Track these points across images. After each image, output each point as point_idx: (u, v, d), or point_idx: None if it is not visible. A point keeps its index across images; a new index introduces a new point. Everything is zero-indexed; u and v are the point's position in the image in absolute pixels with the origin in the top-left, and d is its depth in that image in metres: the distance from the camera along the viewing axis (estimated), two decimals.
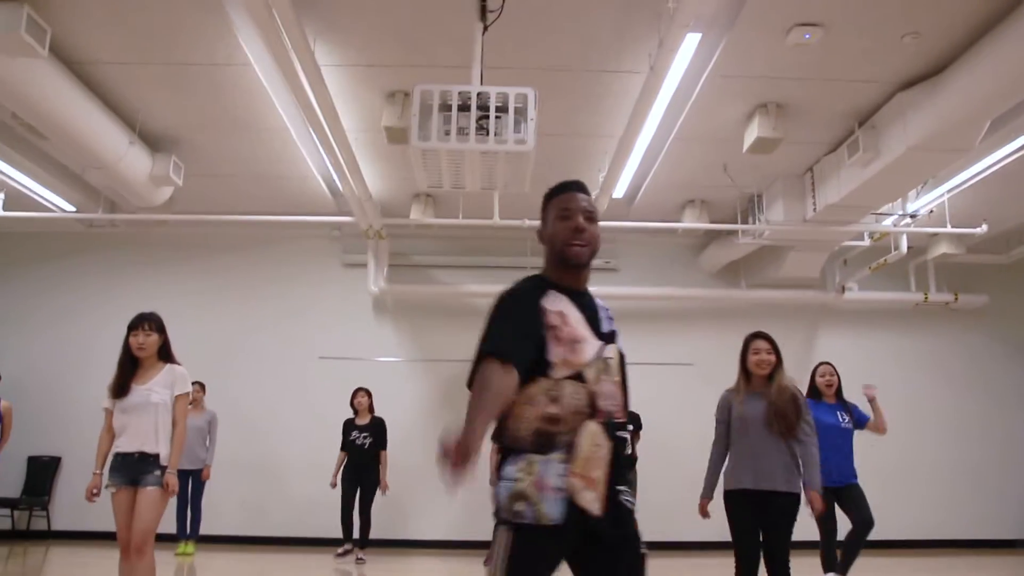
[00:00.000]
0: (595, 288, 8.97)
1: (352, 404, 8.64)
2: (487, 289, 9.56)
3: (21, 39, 5.05)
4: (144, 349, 4.62)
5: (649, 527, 8.31)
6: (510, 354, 2.22)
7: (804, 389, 5.54)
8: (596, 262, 8.82)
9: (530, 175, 4.89)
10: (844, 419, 6.03)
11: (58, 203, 8.52)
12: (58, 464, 9.71)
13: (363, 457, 8.46)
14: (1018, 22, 4.97)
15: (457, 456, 2.05)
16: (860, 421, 6.13)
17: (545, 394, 2.26)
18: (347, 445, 8.52)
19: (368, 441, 8.46)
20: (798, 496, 4.45)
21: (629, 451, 7.50)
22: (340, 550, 8.46)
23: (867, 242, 9.06)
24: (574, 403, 2.26)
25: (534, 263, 9.46)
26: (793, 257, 9.14)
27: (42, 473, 9.67)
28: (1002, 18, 5.22)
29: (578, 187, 2.51)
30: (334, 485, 8.44)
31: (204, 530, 8.70)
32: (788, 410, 4.49)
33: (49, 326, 10.06)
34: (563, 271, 2.45)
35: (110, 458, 4.61)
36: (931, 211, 8.43)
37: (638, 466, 8.17)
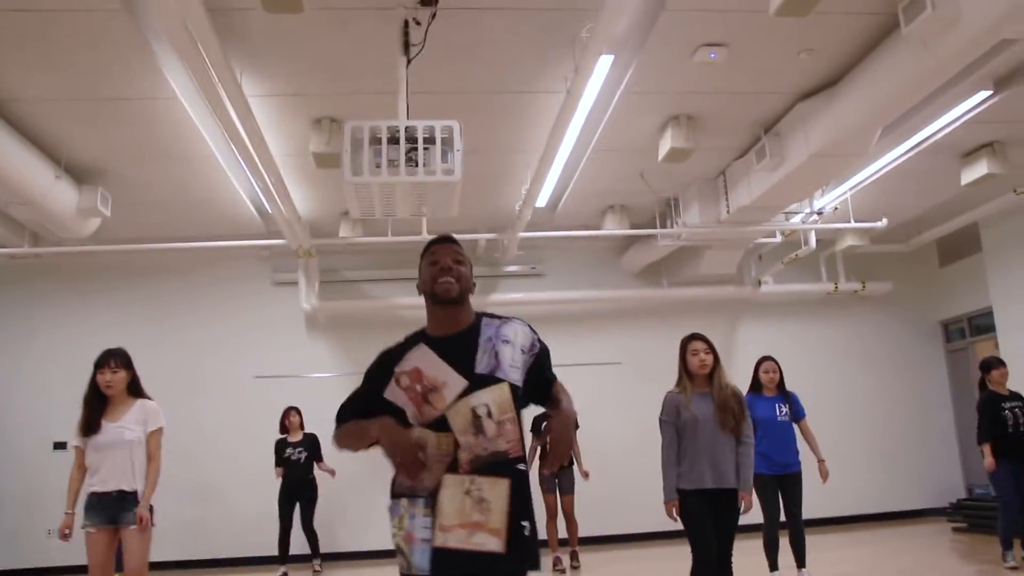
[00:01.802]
0: (521, 294, 9.32)
1: (283, 423, 8.75)
2: (418, 301, 9.68)
3: None
4: (112, 387, 4.56)
5: (587, 522, 8.69)
6: (339, 420, 2.67)
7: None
8: (522, 268, 9.14)
9: (458, 200, 5.12)
10: (781, 411, 6.34)
11: None
12: None
13: (299, 472, 8.58)
14: (898, 40, 5.41)
15: (402, 457, 2.38)
16: (798, 414, 6.42)
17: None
18: (282, 462, 8.61)
19: (303, 456, 8.58)
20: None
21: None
22: (279, 573, 8.43)
23: (779, 239, 9.54)
24: (438, 452, 2.39)
25: None
26: (710, 255, 9.57)
27: None
28: (886, 35, 5.68)
29: (446, 239, 2.67)
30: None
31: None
32: (736, 409, 4.71)
33: None
34: (438, 315, 2.60)
35: (83, 498, 4.54)
36: (836, 208, 8.94)
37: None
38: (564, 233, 9.41)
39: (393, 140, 4.73)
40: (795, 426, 6.39)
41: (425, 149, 4.73)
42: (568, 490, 8.30)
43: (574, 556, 8.38)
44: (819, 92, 6.58)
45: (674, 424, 4.75)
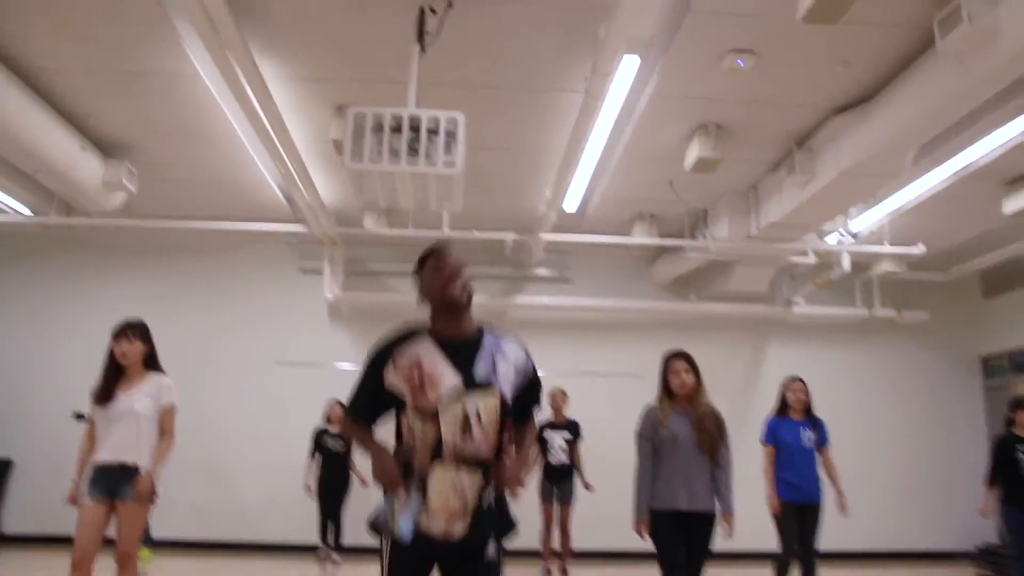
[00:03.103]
0: (547, 298, 9.18)
1: (327, 415, 8.71)
2: None
3: None
4: (127, 357, 4.55)
5: (597, 536, 8.53)
6: (354, 413, 2.86)
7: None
8: (549, 271, 9.00)
9: (461, 194, 5.01)
10: (808, 438, 6.13)
11: (12, 205, 8.54)
12: (9, 467, 9.70)
13: (337, 463, 8.54)
14: (934, 56, 5.17)
15: (382, 479, 2.72)
16: (822, 440, 6.18)
17: (405, 431, 2.72)
18: (323, 452, 8.56)
19: (344, 449, 8.55)
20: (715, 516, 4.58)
21: (567, 460, 7.62)
22: (322, 554, 8.50)
23: (812, 259, 9.28)
24: (424, 441, 2.66)
25: (486, 272, 9.57)
26: (741, 271, 9.34)
27: None
28: (923, 50, 5.44)
29: (444, 248, 2.89)
30: (309, 490, 8.50)
31: (155, 533, 8.75)
32: (714, 431, 4.61)
33: (2, 328, 10.07)
34: (445, 320, 2.80)
35: (89, 469, 4.52)
36: (872, 231, 8.66)
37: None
38: (590, 238, 9.25)
39: (397, 129, 4.65)
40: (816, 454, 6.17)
41: (429, 140, 4.63)
42: (566, 501, 8.17)
43: (563, 571, 8.24)
44: (854, 107, 6.35)
45: (651, 440, 4.64)
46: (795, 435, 6.14)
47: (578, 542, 8.46)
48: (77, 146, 7.15)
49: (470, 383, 2.68)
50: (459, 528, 2.64)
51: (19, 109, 6.31)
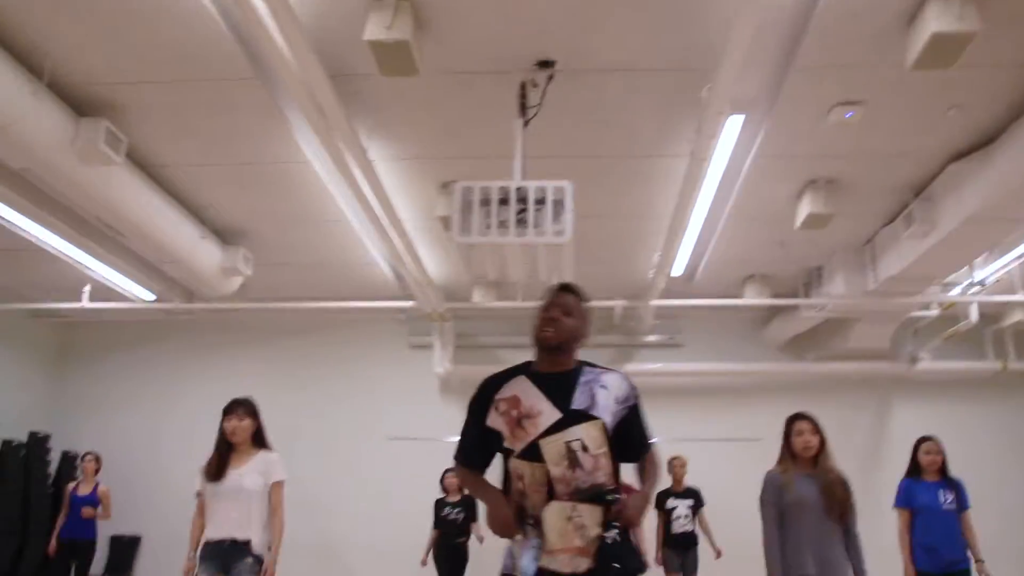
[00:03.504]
0: (659, 365, 9.02)
1: (443, 484, 8.68)
2: None
3: (100, 150, 5.45)
4: (236, 434, 4.61)
5: None
6: (464, 460, 2.89)
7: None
8: (660, 337, 8.87)
9: (571, 264, 4.99)
10: (946, 499, 5.63)
11: (138, 292, 8.95)
12: (138, 543, 10.02)
13: (455, 532, 8.45)
14: None
15: (496, 527, 2.69)
16: (963, 504, 5.67)
17: (513, 476, 2.71)
18: (440, 522, 8.51)
19: (461, 516, 8.50)
20: None
21: (691, 528, 7.38)
22: None
23: (935, 312, 8.86)
24: (533, 481, 2.63)
25: (597, 340, 9.43)
26: (859, 328, 9.01)
27: (124, 551, 10.00)
28: None
29: (564, 288, 2.89)
30: (424, 563, 8.46)
31: None
32: (843, 494, 4.41)
33: (128, 409, 10.52)
34: (541, 356, 2.82)
35: (200, 546, 4.57)
36: (998, 279, 8.23)
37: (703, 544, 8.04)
38: (700, 302, 9.08)
39: (504, 201, 4.68)
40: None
41: (536, 211, 4.64)
42: (691, 570, 7.89)
43: None
44: (973, 152, 6.08)
45: (776, 505, 4.44)
46: (932, 497, 5.70)
47: None
48: (197, 235, 7.47)
49: (568, 415, 2.64)
50: (583, 565, 2.55)
51: (147, 203, 6.65)
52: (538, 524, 2.60)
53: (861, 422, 10.01)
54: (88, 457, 8.45)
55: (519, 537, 2.64)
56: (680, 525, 7.98)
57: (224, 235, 8.01)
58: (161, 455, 10.14)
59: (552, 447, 2.60)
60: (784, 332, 9.85)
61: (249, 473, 4.58)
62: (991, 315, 9.24)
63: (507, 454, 2.72)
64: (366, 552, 9.73)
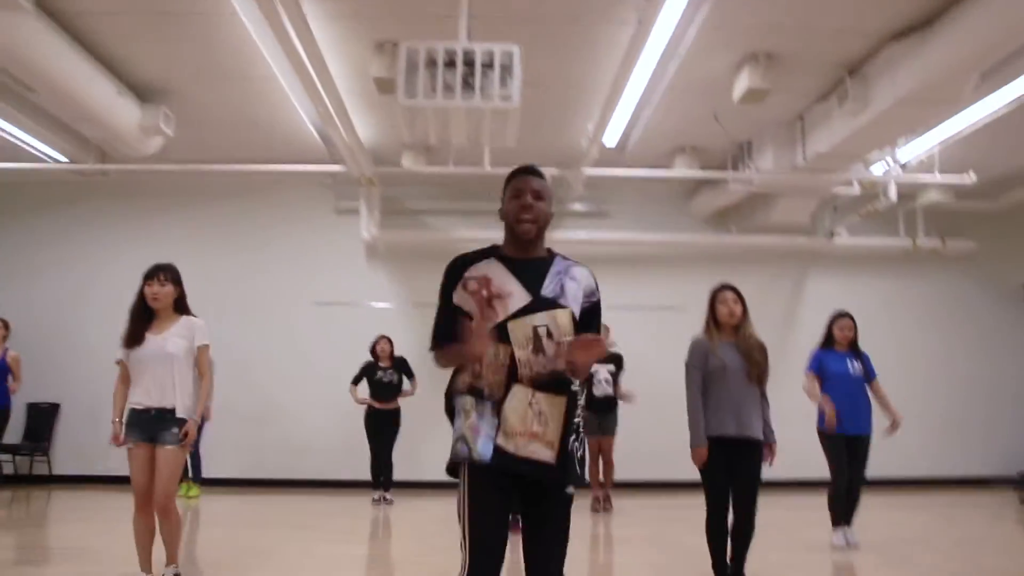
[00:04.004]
0: (585, 233, 9.09)
1: (374, 351, 8.72)
2: (479, 235, 9.59)
3: None
4: (159, 299, 4.46)
5: (634, 468, 8.60)
6: (438, 341, 2.71)
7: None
8: (588, 207, 8.92)
9: (516, 130, 4.91)
10: (854, 367, 6.11)
11: (51, 154, 8.51)
12: (57, 410, 9.89)
13: (388, 393, 8.59)
14: None
15: (473, 347, 2.53)
16: (870, 374, 6.16)
17: None
18: (374, 386, 8.62)
19: (394, 377, 8.61)
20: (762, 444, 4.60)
21: (611, 392, 7.65)
22: (376, 495, 8.64)
23: (857, 189, 9.09)
24: (495, 362, 2.56)
25: None
26: (783, 203, 9.20)
27: (42, 419, 9.86)
28: None
29: (531, 171, 2.74)
30: (360, 402, 8.62)
31: (204, 473, 8.94)
32: (760, 359, 4.63)
33: (44, 274, 10.16)
34: (514, 244, 2.72)
35: (125, 412, 4.48)
36: (921, 160, 8.46)
37: (623, 408, 8.33)
38: (632, 172, 9.11)
39: (450, 63, 4.54)
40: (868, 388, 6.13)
41: (483, 74, 4.52)
42: (609, 432, 8.22)
43: (607, 499, 8.32)
44: (911, 33, 6.12)
45: (701, 370, 4.66)
46: (843, 365, 6.13)
47: (619, 474, 8.49)
48: (114, 91, 7.07)
49: (538, 300, 2.60)
50: (543, 454, 2.54)
51: (59, 55, 6.23)
52: (496, 406, 2.55)
53: (779, 292, 10.37)
54: None
55: (471, 421, 2.56)
56: (601, 388, 8.24)
57: (143, 92, 7.58)
58: (80, 322, 9.89)
59: (519, 330, 2.56)
60: (710, 204, 10.00)
61: (171, 337, 4.45)
62: (907, 195, 9.52)
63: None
64: (298, 414, 9.82)
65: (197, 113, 8.10)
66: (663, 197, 10.41)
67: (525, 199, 2.65)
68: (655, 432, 8.57)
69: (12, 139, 8.01)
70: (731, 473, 4.54)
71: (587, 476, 8.25)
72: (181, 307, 4.61)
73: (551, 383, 2.57)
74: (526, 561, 2.59)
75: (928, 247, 10.11)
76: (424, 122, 4.77)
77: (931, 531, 7.28)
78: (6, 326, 8.25)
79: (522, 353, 2.55)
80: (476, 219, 9.95)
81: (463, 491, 2.56)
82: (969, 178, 8.61)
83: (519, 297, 2.59)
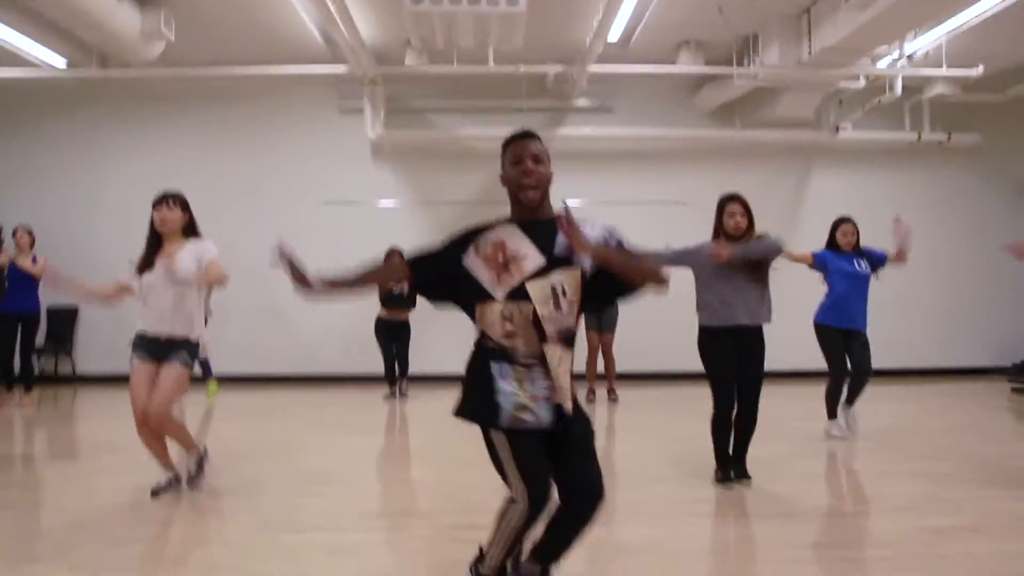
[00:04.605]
0: (589, 130, 9.08)
1: (387, 261, 8.80)
2: (484, 132, 9.63)
3: None
4: (167, 223, 4.48)
5: (631, 360, 8.77)
6: (411, 260, 2.85)
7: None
8: (591, 103, 8.92)
9: (522, 33, 4.91)
10: (861, 265, 6.24)
11: (48, 59, 8.45)
12: (76, 314, 10.14)
13: (400, 305, 8.73)
14: None
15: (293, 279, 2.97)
16: (880, 260, 6.28)
17: (499, 315, 2.68)
18: (386, 296, 8.73)
19: (404, 288, 8.73)
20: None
21: None
22: (387, 391, 8.92)
23: (862, 83, 9.03)
24: (523, 320, 2.64)
25: (529, 105, 9.43)
26: (788, 98, 9.17)
27: (62, 322, 10.12)
28: None
29: (527, 135, 2.77)
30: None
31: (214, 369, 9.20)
32: (763, 262, 4.77)
33: (51, 180, 10.22)
34: (520, 210, 2.77)
35: (132, 336, 4.51)
36: (927, 53, 8.38)
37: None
38: (635, 68, 9.05)
39: None
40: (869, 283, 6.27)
41: None
42: (609, 328, 8.40)
43: (611, 392, 8.57)
44: None
45: (693, 263, 4.78)
46: (848, 263, 6.24)
47: (621, 365, 8.71)
48: None
49: (551, 260, 2.66)
50: (569, 405, 2.67)
51: None
52: (541, 364, 2.64)
53: (783, 186, 10.41)
54: (20, 231, 8.30)
55: (529, 391, 2.63)
56: None
57: None
58: (91, 227, 10.01)
59: (539, 289, 2.64)
60: (714, 99, 9.94)
61: (180, 261, 4.40)
62: (913, 88, 9.46)
63: (486, 301, 2.70)
64: (309, 312, 10.00)
65: (198, 16, 8.03)
66: (666, 92, 10.33)
67: (526, 164, 2.69)
68: (652, 323, 8.80)
69: (10, 46, 7.92)
70: (740, 364, 4.69)
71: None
72: (191, 231, 4.63)
73: (567, 338, 2.69)
74: (561, 480, 2.67)
75: (933, 140, 10.08)
76: (430, 25, 4.76)
77: (924, 420, 7.52)
78: (30, 234, 8.35)
79: (545, 310, 2.63)
80: (481, 116, 9.95)
81: (511, 458, 2.63)
82: (976, 71, 8.55)
83: (533, 258, 2.66)
